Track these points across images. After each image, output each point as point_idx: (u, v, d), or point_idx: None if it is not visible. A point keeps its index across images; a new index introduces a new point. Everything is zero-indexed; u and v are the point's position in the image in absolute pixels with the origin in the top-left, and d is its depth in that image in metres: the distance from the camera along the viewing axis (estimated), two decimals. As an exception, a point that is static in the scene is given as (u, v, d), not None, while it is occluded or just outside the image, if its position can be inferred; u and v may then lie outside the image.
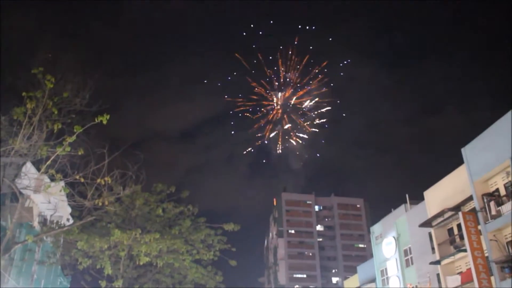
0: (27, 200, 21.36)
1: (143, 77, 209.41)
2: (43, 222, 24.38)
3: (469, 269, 26.73)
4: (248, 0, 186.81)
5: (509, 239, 24.78)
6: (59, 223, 19.00)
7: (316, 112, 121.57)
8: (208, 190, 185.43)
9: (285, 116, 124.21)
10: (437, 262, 30.76)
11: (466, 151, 27.92)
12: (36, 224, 22.98)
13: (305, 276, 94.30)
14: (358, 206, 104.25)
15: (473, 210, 27.33)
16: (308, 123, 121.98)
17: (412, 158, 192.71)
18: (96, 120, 11.78)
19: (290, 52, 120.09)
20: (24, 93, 12.14)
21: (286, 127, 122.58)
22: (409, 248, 36.44)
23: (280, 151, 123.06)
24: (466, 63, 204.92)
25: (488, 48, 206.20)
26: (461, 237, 28.53)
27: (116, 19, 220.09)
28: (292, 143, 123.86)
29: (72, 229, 16.35)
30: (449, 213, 29.72)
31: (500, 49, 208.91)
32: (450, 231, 31.14)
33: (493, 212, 25.34)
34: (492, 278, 25.01)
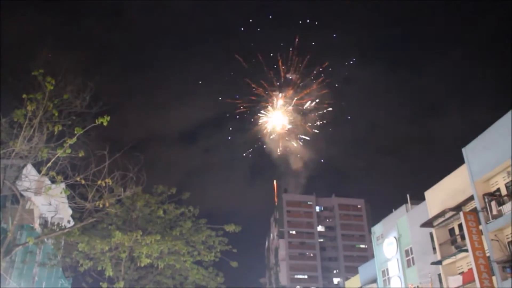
0: (28, 202, 21.35)
1: (143, 79, 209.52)
2: (44, 224, 24.37)
3: (471, 269, 26.70)
4: (249, 1, 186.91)
5: (511, 238, 24.75)
6: (60, 225, 18.98)
7: (317, 113, 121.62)
8: (209, 191, 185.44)
9: (285, 117, 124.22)
10: (439, 262, 30.72)
11: (467, 151, 27.90)
12: (37, 226, 22.97)
13: (306, 277, 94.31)
14: (359, 206, 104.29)
15: (474, 210, 27.30)
16: (309, 124, 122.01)
17: (413, 158, 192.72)
18: (96, 121, 11.78)
19: (290, 54, 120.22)
20: (24, 95, 12.14)
21: (286, 128, 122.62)
22: (410, 248, 36.40)
23: (279, 153, 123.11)
24: (466, 63, 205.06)
25: (488, 48, 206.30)
26: (463, 237, 28.51)
27: (116, 20, 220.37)
28: (292, 144, 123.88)
29: (73, 231, 16.34)
30: (450, 213, 29.69)
31: (500, 49, 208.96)
32: (451, 231, 31.11)
33: (494, 212, 25.32)
34: (494, 278, 24.99)
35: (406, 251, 37.04)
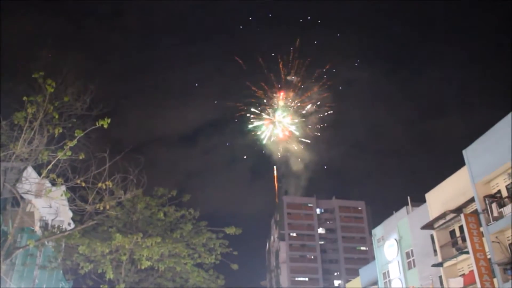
0: (28, 205, 21.33)
1: (143, 81, 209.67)
2: (45, 226, 24.37)
3: (472, 271, 26.67)
4: (249, 3, 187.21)
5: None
6: (61, 227, 18.99)
7: (317, 116, 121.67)
8: (209, 193, 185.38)
9: (286, 120, 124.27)
10: (440, 264, 30.69)
11: (468, 153, 27.89)
12: (37, 228, 22.97)
13: (307, 279, 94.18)
14: (359, 208, 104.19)
15: (475, 212, 27.28)
16: (309, 126, 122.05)
17: (413, 160, 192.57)
18: (97, 124, 11.78)
19: (291, 56, 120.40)
20: (24, 98, 12.14)
21: (287, 131, 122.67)
22: (411, 250, 36.36)
23: (280, 155, 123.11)
24: (466, 64, 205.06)
25: (488, 49, 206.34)
26: (463, 239, 28.47)
27: (116, 22, 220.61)
28: (293, 146, 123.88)
29: (73, 233, 16.33)
30: (451, 215, 29.67)
31: (500, 51, 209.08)
32: (452, 233, 31.08)
33: (495, 214, 25.31)
34: (495, 280, 24.96)
35: (407, 253, 37.00)
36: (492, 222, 25.30)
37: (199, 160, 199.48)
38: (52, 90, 12.23)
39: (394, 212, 41.32)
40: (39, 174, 13.52)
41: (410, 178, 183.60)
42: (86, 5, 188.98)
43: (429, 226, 31.85)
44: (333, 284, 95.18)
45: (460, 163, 28.90)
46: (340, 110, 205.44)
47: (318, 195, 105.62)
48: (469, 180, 27.48)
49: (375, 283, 41.98)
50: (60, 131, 12.49)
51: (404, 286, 36.37)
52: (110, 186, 13.47)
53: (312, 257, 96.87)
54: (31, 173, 16.58)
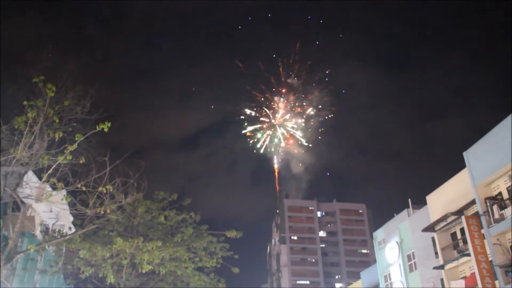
0: (28, 209, 21.30)
1: (144, 85, 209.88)
2: (45, 231, 24.32)
3: (473, 274, 26.62)
4: (249, 5, 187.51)
5: (513, 242, 24.70)
6: (61, 232, 18.94)
7: (318, 119, 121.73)
8: (210, 197, 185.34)
9: (286, 122, 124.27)
10: (441, 267, 30.63)
11: (468, 155, 27.87)
12: (38, 233, 22.93)
13: (308, 282, 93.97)
14: (360, 211, 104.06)
15: (476, 214, 27.24)
16: (309, 129, 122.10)
17: (414, 162, 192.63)
18: (97, 128, 11.77)
19: (291, 61, 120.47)
20: (25, 102, 12.15)
21: (287, 134, 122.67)
22: (413, 253, 36.31)
23: (281, 159, 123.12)
24: (466, 67, 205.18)
25: (488, 51, 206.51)
26: (465, 241, 28.43)
27: (117, 27, 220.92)
28: (294, 150, 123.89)
29: (74, 237, 16.30)
30: (452, 217, 29.63)
31: (500, 53, 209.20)
32: (454, 235, 31.04)
33: (496, 216, 25.28)
34: (497, 282, 24.91)
35: (408, 256, 36.94)
36: (493, 224, 25.27)
37: (200, 164, 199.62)
38: (53, 94, 12.23)
39: (395, 214, 41.28)
40: (40, 178, 13.51)
41: (411, 181, 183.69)
42: (86, 8, 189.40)
43: (430, 228, 31.81)
44: (334, 287, 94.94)
45: (461, 165, 28.90)
46: (340, 113, 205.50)
47: (319, 198, 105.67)
48: (470, 182, 27.45)
49: (377, 286, 41.91)
50: (61, 135, 12.48)
51: (405, 288, 36.31)
52: (111, 190, 13.45)
53: (313, 260, 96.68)
54: (32, 177, 16.57)
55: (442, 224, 30.87)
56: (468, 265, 28.57)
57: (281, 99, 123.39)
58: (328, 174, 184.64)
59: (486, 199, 26.29)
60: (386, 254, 39.77)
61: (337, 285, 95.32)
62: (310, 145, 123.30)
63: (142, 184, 15.83)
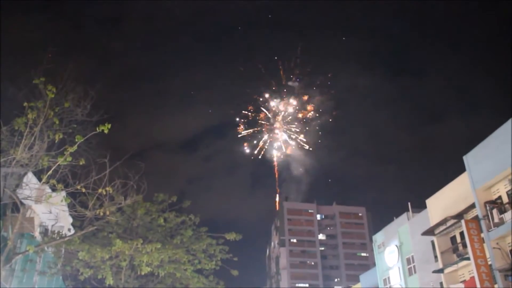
0: (28, 210, 21.29)
1: (144, 87, 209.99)
2: (44, 232, 24.33)
3: (473, 277, 26.58)
4: (249, 7, 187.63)
5: (512, 247, 24.68)
6: (60, 233, 18.93)
7: (318, 122, 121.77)
8: (210, 199, 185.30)
9: (286, 126, 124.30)
10: (440, 271, 30.59)
11: (468, 159, 27.85)
12: (37, 234, 22.93)
13: (307, 285, 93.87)
14: (360, 214, 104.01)
15: (476, 218, 27.22)
16: (310, 132, 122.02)
17: (414, 166, 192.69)
18: (97, 129, 11.77)
19: (292, 65, 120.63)
20: (25, 103, 12.15)
21: (286, 137, 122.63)
22: (412, 256, 36.27)
23: (277, 162, 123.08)
24: (467, 69, 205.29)
25: (488, 55, 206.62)
26: (464, 245, 28.41)
27: (117, 28, 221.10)
28: (294, 152, 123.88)
29: (73, 239, 16.29)
30: (452, 221, 29.61)
31: (500, 56, 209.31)
32: (453, 239, 31.01)
33: (496, 220, 25.25)
34: (496, 286, 24.87)
35: (408, 260, 36.90)
36: (493, 228, 25.24)
37: (200, 166, 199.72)
38: (53, 96, 12.24)
39: (394, 218, 41.26)
40: (39, 179, 13.50)
41: (411, 184, 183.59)
42: (86, 9, 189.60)
43: (429, 232, 31.79)
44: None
45: (460, 169, 28.89)
46: (340, 115, 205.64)
47: (319, 201, 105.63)
48: (470, 186, 27.43)
49: (376, 289, 41.87)
50: (61, 136, 12.48)
51: (404, 292, 36.27)
52: (110, 192, 13.44)
53: (313, 263, 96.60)
54: (31, 178, 16.57)
55: (441, 227, 30.85)
56: (468, 269, 28.54)
57: (282, 102, 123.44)
58: (328, 177, 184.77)
59: (485, 203, 26.26)
60: (386, 257, 39.73)
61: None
62: (310, 149, 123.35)
63: (141, 186, 15.81)
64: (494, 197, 26.38)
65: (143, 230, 18.89)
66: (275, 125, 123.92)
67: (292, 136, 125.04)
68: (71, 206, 14.50)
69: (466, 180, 28.14)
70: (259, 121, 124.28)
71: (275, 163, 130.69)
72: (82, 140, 11.83)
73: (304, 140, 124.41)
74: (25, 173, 15.11)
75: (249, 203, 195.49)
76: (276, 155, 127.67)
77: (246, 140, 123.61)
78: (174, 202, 19.29)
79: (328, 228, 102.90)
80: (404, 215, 39.23)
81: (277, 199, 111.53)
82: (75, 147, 11.90)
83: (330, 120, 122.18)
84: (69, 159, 12.10)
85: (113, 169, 13.50)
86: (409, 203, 38.92)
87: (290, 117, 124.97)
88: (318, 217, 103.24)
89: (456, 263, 29.03)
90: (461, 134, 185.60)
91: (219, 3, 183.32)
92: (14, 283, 20.43)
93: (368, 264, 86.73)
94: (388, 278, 39.37)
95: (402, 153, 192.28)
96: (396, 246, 38.42)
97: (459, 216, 28.96)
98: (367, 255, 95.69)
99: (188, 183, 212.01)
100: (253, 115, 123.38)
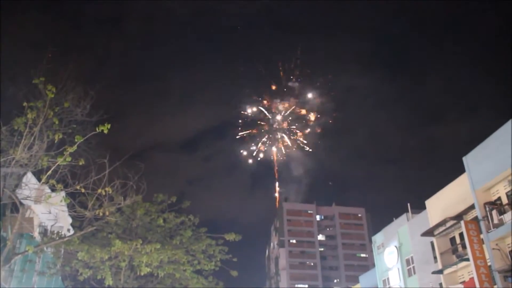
0: (27, 210, 21.25)
1: (144, 87, 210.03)
2: (44, 232, 24.30)
3: (472, 278, 26.58)
4: (249, 9, 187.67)
5: (512, 248, 24.68)
6: (60, 233, 18.90)
7: (318, 123, 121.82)
8: (209, 200, 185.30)
9: (286, 126, 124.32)
10: (440, 272, 30.58)
11: (468, 160, 27.86)
12: (36, 234, 22.89)
13: (306, 286, 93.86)
14: (359, 215, 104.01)
15: (475, 219, 27.22)
16: (309, 133, 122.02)
17: (413, 167, 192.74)
18: (97, 129, 11.76)
19: (292, 66, 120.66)
20: (25, 103, 12.14)
21: (286, 138, 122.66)
22: (411, 257, 36.26)
23: (277, 163, 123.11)
24: (466, 72, 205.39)
25: (488, 56, 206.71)
26: (464, 246, 28.40)
27: (117, 29, 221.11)
28: (293, 153, 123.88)
29: (72, 239, 16.27)
30: (451, 222, 29.61)
31: (500, 57, 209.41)
32: (453, 240, 31.01)
33: (496, 221, 25.26)
34: (495, 287, 24.87)
35: (407, 260, 36.89)
36: (492, 229, 25.24)
37: (199, 166, 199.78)
38: (52, 96, 12.22)
39: (394, 219, 41.27)
40: (39, 179, 13.49)
41: (410, 185, 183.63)
42: (86, 9, 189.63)
43: (429, 233, 31.78)
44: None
45: (460, 170, 28.89)
46: (340, 116, 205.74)
47: (318, 202, 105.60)
48: (469, 187, 27.44)
49: (375, 290, 41.86)
50: (60, 136, 12.46)
51: (404, 293, 36.25)
52: (110, 192, 13.41)
53: (312, 264, 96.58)
54: (31, 178, 16.55)
55: (441, 228, 30.84)
56: (467, 270, 28.54)
57: (281, 103, 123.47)
58: (327, 178, 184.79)
59: (485, 204, 26.27)
60: (385, 258, 39.72)
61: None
62: (310, 150, 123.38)
63: (141, 186, 15.79)
64: (494, 198, 26.38)
65: (142, 230, 18.87)
66: (275, 126, 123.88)
67: (291, 137, 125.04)
68: (70, 207, 14.48)
69: (465, 181, 28.14)
70: (259, 122, 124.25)
71: (275, 164, 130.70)
72: (81, 140, 11.81)
73: (304, 140, 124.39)
74: (25, 173, 15.10)
75: (248, 204, 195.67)
76: (275, 156, 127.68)
77: (246, 140, 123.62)
78: (173, 203, 19.28)
79: (328, 229, 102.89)
80: (403, 216, 39.24)
81: (277, 199, 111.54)
82: (74, 147, 11.88)
83: (330, 121, 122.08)
84: (69, 159, 12.07)
85: (112, 169, 13.48)
86: (408, 204, 39.00)
87: (290, 118, 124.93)
88: (318, 217, 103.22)
89: (455, 264, 29.03)
90: (461, 135, 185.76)
91: (219, 3, 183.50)
92: (13, 284, 20.40)
93: (368, 265, 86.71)
94: (388, 279, 39.37)
95: (402, 153, 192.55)
96: (396, 247, 38.42)
97: (458, 217, 28.96)
98: (367, 256, 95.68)
99: (188, 184, 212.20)
100: (252, 115, 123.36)
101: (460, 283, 29.30)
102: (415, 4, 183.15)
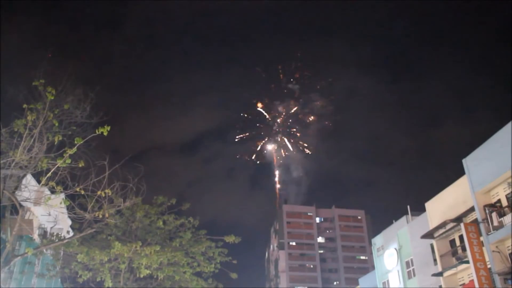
0: (27, 212, 21.28)
1: (144, 90, 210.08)
2: (43, 234, 24.30)
3: (472, 281, 26.56)
4: (249, 11, 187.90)
5: (512, 250, 24.66)
6: (59, 235, 18.89)
7: (318, 125, 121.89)
8: (209, 202, 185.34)
9: (286, 129, 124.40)
10: (440, 274, 30.56)
11: (467, 162, 27.86)
12: (36, 236, 22.89)
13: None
14: (359, 217, 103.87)
15: (475, 221, 27.21)
16: (309, 136, 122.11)
17: (413, 169, 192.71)
18: (96, 131, 11.75)
19: (292, 67, 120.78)
20: (25, 105, 12.14)
21: (286, 140, 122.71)
22: (411, 259, 36.24)
23: (280, 165, 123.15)
24: (466, 74, 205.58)
25: (488, 57, 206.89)
26: (463, 249, 28.39)
27: (118, 31, 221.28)
28: (293, 155, 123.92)
29: (72, 241, 16.27)
30: (451, 224, 29.60)
31: (500, 59, 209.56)
32: (452, 242, 30.99)
33: (495, 223, 25.24)
34: (495, 289, 24.86)
35: (407, 263, 36.87)
36: (492, 232, 25.24)
37: (199, 169, 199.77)
38: (52, 98, 12.22)
39: (394, 221, 41.26)
40: (39, 181, 13.48)
41: (410, 187, 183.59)
42: (86, 11, 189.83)
43: (429, 235, 31.78)
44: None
45: (460, 172, 28.91)
46: (340, 119, 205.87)
47: (318, 204, 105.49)
48: (469, 189, 27.44)
49: (375, 292, 41.82)
50: (60, 138, 12.47)
51: (404, 295, 36.22)
52: (110, 194, 13.41)
53: (312, 266, 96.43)
54: (31, 180, 16.56)
55: (441, 231, 30.84)
56: (467, 272, 28.53)
57: (281, 106, 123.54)
58: (327, 180, 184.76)
59: (485, 206, 26.26)
60: (385, 260, 39.71)
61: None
62: (310, 152, 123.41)
63: (141, 189, 15.80)
64: (494, 200, 26.38)
65: (142, 232, 18.87)
66: (274, 128, 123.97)
67: (291, 139, 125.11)
68: (70, 208, 14.46)
69: (465, 183, 28.15)
70: (259, 124, 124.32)
71: (275, 166, 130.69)
72: (81, 142, 11.80)
73: (304, 143, 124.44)
74: (24, 175, 15.08)
75: (248, 206, 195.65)
76: (275, 158, 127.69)
77: (245, 143, 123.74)
78: (173, 205, 19.27)
79: (327, 231, 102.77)
80: (403, 218, 39.23)
81: (276, 201, 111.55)
82: (74, 149, 11.87)
83: (330, 124, 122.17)
84: (68, 161, 12.07)
85: (112, 171, 13.48)
86: (408, 206, 39.00)
87: (290, 121, 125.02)
88: (317, 220, 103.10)
89: (455, 266, 29.01)
90: (461, 137, 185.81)
91: (220, 6, 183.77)
92: (13, 285, 20.40)
93: (367, 267, 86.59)
94: (387, 281, 39.35)
95: (402, 156, 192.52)
96: (395, 249, 38.40)
97: (458, 219, 28.95)
98: (366, 258, 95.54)
99: (188, 186, 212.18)
100: (252, 118, 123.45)
101: (460, 285, 29.29)
102: (415, 7, 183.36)
